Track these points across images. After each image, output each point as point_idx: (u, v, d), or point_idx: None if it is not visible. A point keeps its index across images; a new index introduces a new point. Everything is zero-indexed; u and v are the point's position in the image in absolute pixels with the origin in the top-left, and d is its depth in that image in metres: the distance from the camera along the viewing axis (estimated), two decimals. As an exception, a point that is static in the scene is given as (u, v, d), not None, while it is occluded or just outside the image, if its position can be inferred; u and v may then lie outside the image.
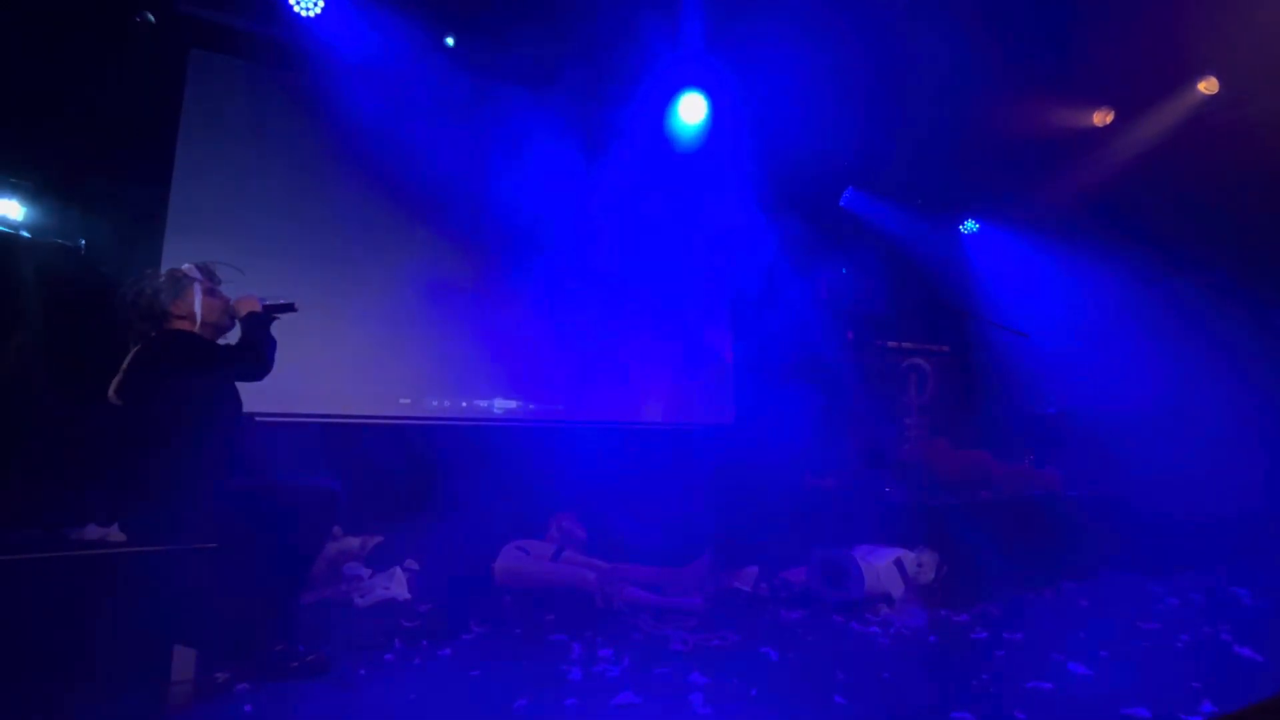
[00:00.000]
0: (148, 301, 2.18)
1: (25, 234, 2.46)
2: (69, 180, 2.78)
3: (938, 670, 2.29)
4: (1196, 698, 1.92)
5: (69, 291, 2.49)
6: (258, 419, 3.21)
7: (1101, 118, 5.10)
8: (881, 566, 3.04)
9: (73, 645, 1.79)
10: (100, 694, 1.80)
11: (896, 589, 3.03)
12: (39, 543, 1.92)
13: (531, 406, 4.27)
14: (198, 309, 2.22)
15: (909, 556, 3.14)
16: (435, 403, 3.98)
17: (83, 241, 2.54)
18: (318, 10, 3.55)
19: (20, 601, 1.76)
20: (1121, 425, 4.29)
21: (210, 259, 2.38)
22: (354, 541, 3.10)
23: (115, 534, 2.09)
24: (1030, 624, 2.76)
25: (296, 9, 3.52)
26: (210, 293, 2.30)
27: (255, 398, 3.29)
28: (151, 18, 2.70)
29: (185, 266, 2.28)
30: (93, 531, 2.07)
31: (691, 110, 4.66)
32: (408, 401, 3.90)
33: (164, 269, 2.28)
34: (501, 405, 4.18)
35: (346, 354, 3.71)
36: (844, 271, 5.27)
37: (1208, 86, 4.69)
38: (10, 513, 2.04)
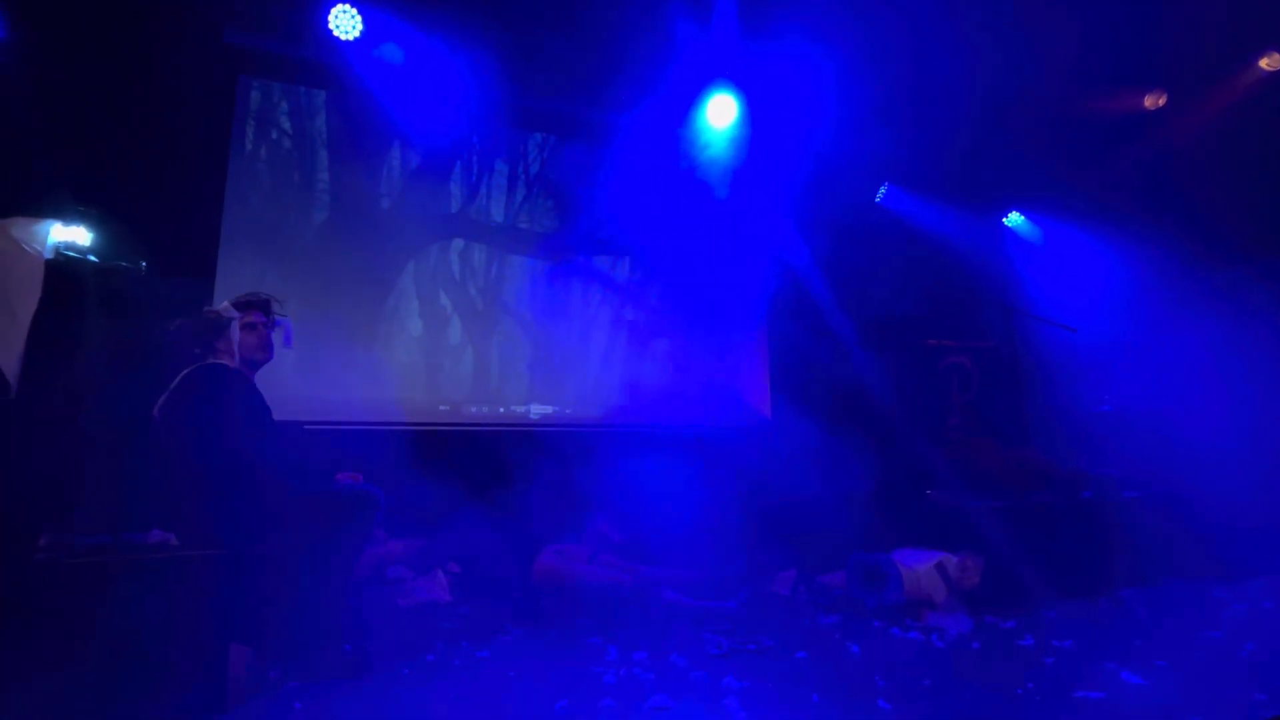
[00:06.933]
0: (190, 337, 2.40)
1: (92, 258, 2.64)
2: (130, 205, 2.96)
3: (981, 677, 2.23)
4: (1259, 710, 1.81)
5: (133, 310, 2.66)
6: (305, 426, 3.35)
7: (1153, 101, 4.87)
8: (922, 570, 2.97)
9: (137, 643, 1.91)
10: (162, 689, 1.92)
11: (938, 594, 2.95)
12: (106, 547, 2.05)
13: (567, 411, 4.33)
14: (236, 346, 2.43)
15: (951, 560, 3.06)
16: (474, 409, 4.07)
17: (144, 263, 2.71)
18: (356, 34, 3.69)
19: (89, 601, 1.89)
20: (1183, 423, 4.07)
21: (256, 291, 2.56)
22: (397, 545, 3.20)
23: (176, 539, 2.22)
24: (1082, 631, 2.66)
25: (336, 33, 3.66)
26: (247, 328, 2.46)
27: (302, 406, 3.44)
28: None
29: (222, 306, 2.47)
30: (155, 536, 2.20)
31: (723, 112, 4.64)
32: (447, 408, 4.00)
33: (214, 298, 2.43)
34: (538, 411, 4.25)
35: (388, 364, 3.85)
36: (882, 269, 5.17)
37: (1270, 63, 4.42)
38: (80, 519, 2.20)
